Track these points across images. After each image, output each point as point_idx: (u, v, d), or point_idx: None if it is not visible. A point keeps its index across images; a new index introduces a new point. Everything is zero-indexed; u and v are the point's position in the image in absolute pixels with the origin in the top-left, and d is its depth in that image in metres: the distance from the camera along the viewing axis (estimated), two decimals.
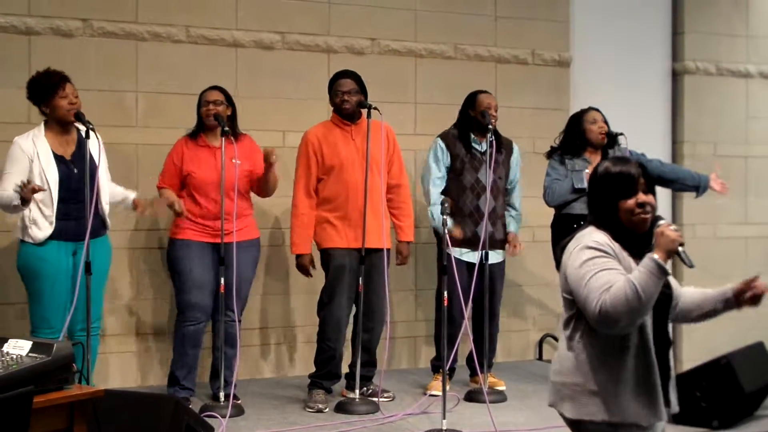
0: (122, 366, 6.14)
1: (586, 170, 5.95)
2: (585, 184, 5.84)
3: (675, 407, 3.21)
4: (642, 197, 3.14)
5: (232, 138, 5.40)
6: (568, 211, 6.07)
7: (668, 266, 2.98)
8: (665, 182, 6.27)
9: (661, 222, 3.09)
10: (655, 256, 2.97)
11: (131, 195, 5.40)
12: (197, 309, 5.52)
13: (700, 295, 3.32)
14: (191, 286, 5.50)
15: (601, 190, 3.20)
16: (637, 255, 3.10)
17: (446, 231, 5.18)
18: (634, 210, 3.13)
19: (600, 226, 3.19)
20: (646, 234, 3.14)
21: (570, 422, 3.20)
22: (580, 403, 3.14)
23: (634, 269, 3.01)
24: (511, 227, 6.18)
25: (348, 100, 5.66)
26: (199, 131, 5.62)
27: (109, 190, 5.31)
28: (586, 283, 3.04)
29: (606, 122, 6.21)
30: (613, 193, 3.16)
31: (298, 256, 5.73)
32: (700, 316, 3.33)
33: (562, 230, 6.08)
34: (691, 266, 3.02)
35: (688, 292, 3.35)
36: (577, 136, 6.18)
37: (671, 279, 3.21)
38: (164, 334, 6.15)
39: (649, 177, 3.20)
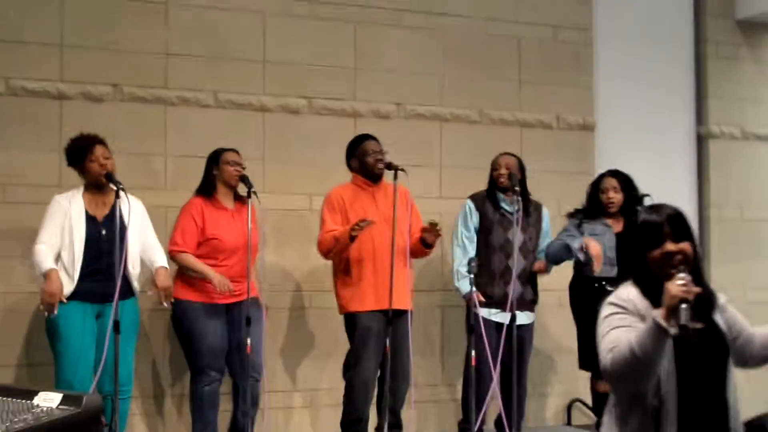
0: (150, 428, 6.10)
1: (581, 240, 5.86)
2: (579, 254, 5.82)
3: None
4: (669, 246, 2.99)
5: (256, 198, 5.44)
6: (589, 274, 6.00)
7: (682, 321, 2.79)
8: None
9: (678, 275, 2.89)
10: (656, 313, 2.83)
11: (156, 265, 5.36)
12: (213, 371, 5.51)
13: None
14: (208, 351, 5.50)
15: (631, 242, 3.13)
16: None
17: (473, 291, 5.15)
18: (661, 260, 2.99)
19: (635, 281, 3.07)
20: None
21: None
22: None
23: None
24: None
25: (382, 159, 5.70)
26: (212, 192, 5.63)
27: (148, 251, 5.34)
28: (600, 340, 2.99)
29: (626, 188, 6.12)
30: (640, 245, 3.05)
31: (351, 234, 5.48)
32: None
33: (581, 291, 6.05)
34: (690, 325, 2.81)
35: (759, 332, 3.14)
36: (594, 202, 6.16)
37: (739, 321, 3.10)
38: (169, 396, 6.16)
39: (683, 224, 3.05)
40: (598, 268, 5.76)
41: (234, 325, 5.55)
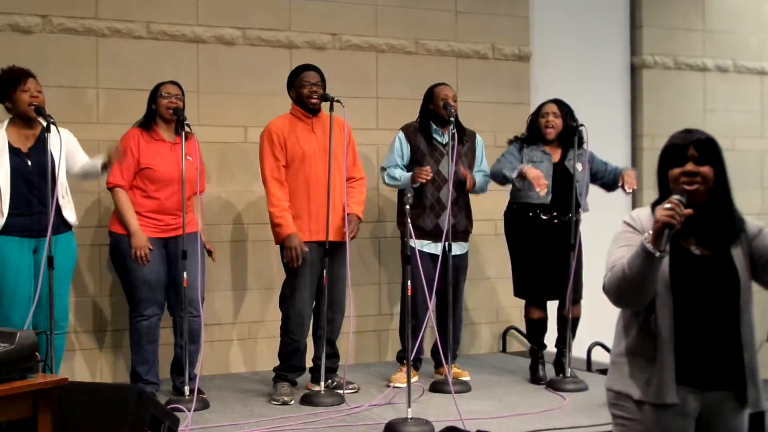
0: (88, 363, 6.11)
1: (522, 167, 5.88)
2: (517, 183, 5.88)
3: (757, 405, 3.05)
4: (689, 167, 3.00)
5: (191, 131, 5.42)
6: (525, 201, 6.06)
7: (661, 246, 2.84)
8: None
9: (671, 198, 2.93)
10: (646, 235, 2.89)
11: (98, 161, 5.26)
12: (150, 305, 5.51)
13: None
14: (144, 284, 5.49)
15: (659, 162, 3.11)
16: (688, 235, 3.01)
17: (408, 221, 5.19)
18: (679, 178, 3.00)
19: (655, 203, 3.09)
20: (698, 209, 2.96)
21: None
22: (609, 372, 3.21)
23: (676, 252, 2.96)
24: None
25: (317, 91, 5.68)
26: (152, 123, 5.60)
27: (81, 168, 5.28)
28: (608, 256, 3.07)
29: (565, 116, 6.12)
30: (665, 164, 3.07)
31: (288, 239, 5.56)
32: None
33: (515, 220, 6.12)
34: (662, 251, 2.85)
35: None
36: (533, 129, 6.19)
37: (761, 243, 3.05)
38: (111, 331, 6.17)
39: (711, 149, 3.04)
40: (542, 190, 5.79)
41: (171, 259, 5.55)
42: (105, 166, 5.26)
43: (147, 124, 5.59)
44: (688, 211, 2.90)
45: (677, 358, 3.00)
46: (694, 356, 3.01)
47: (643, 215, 3.10)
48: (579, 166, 5.99)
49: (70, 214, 5.25)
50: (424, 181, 5.83)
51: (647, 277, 2.91)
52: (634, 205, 7.83)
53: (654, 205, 3.10)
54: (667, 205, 2.87)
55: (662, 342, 3.00)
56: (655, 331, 3.01)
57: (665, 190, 3.06)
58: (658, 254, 2.86)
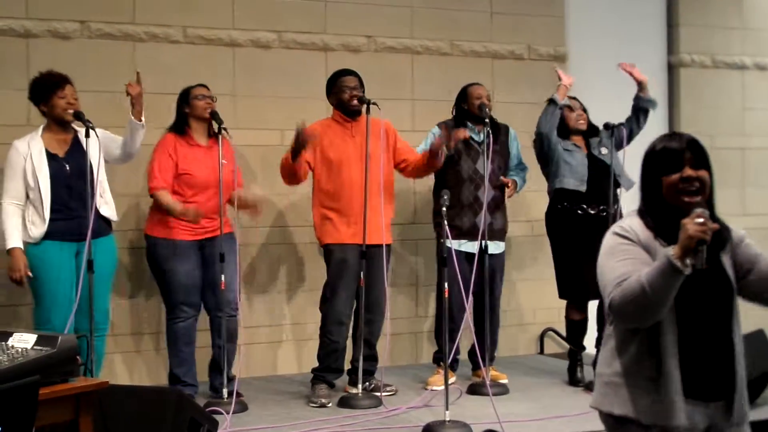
0: (127, 365, 6.16)
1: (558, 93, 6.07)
2: (561, 102, 6.05)
3: (741, 416, 2.96)
4: (688, 171, 2.88)
5: (227, 134, 5.45)
6: (561, 187, 6.07)
7: (700, 262, 2.72)
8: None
9: (696, 211, 2.77)
10: (671, 251, 2.73)
11: (130, 118, 5.27)
12: (186, 306, 5.54)
13: None
14: (180, 287, 5.52)
15: (646, 168, 2.96)
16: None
17: (445, 222, 5.18)
18: (678, 185, 2.87)
19: (644, 211, 2.96)
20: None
21: (594, 408, 3.08)
22: (597, 392, 3.04)
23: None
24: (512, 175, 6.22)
25: (356, 95, 5.70)
26: (185, 128, 5.62)
27: (122, 143, 5.32)
28: (606, 273, 2.89)
29: (584, 110, 6.25)
30: (657, 170, 2.92)
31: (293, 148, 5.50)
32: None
33: (559, 220, 6.10)
34: (701, 267, 2.75)
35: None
36: (561, 125, 6.20)
37: (753, 254, 2.96)
38: (146, 334, 6.22)
39: (703, 151, 2.93)
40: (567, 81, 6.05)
41: (207, 261, 5.57)
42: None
43: (180, 128, 5.61)
44: (715, 225, 2.79)
45: (682, 373, 2.87)
46: (698, 369, 2.89)
47: (636, 225, 2.93)
48: (604, 150, 6.05)
49: (109, 212, 5.29)
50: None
51: (671, 294, 2.76)
52: None
53: (643, 214, 2.95)
54: (700, 220, 2.73)
55: (667, 358, 2.87)
56: (658, 348, 2.87)
57: (656, 197, 2.94)
58: (687, 271, 2.73)
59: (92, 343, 4.75)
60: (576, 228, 6.02)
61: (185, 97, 5.63)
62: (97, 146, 5.08)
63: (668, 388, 2.86)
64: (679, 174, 2.88)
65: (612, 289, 2.83)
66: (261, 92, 6.50)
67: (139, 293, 6.20)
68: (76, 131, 5.19)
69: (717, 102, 8.00)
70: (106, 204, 5.27)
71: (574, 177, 6.03)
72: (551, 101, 6.09)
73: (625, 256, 2.86)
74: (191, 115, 5.61)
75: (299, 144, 5.44)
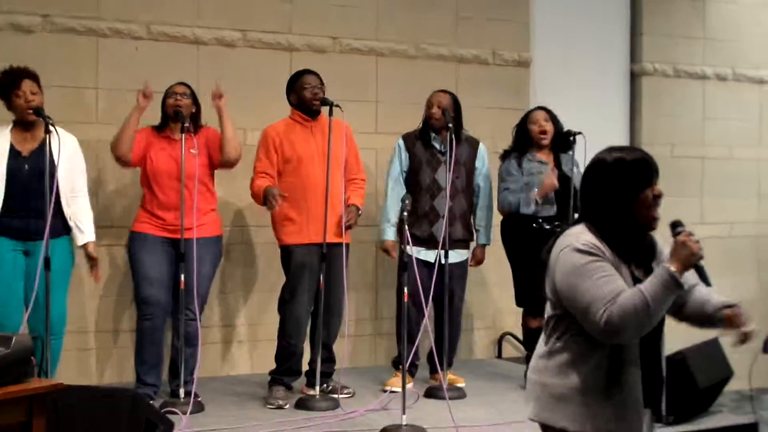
0: (81, 364, 6.11)
1: (534, 196, 5.88)
2: (530, 209, 5.88)
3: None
4: (658, 189, 2.91)
5: (192, 133, 5.42)
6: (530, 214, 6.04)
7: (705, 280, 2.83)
8: None
9: (682, 230, 2.83)
10: (672, 268, 2.76)
11: (87, 238, 5.29)
12: (151, 304, 5.49)
13: (704, 299, 3.04)
14: (146, 282, 5.50)
15: (617, 181, 2.90)
16: (630, 260, 2.91)
17: (405, 228, 5.19)
18: (651, 202, 2.88)
19: (595, 225, 2.93)
20: (643, 237, 2.93)
21: (536, 421, 3.02)
22: (543, 405, 2.97)
23: (626, 276, 2.84)
24: (481, 239, 6.20)
25: (318, 93, 5.68)
26: (165, 125, 5.62)
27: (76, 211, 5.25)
28: (585, 292, 2.81)
29: (555, 121, 6.13)
30: (633, 184, 2.88)
31: (266, 189, 5.56)
32: (692, 318, 3.08)
33: (515, 230, 6.08)
34: (708, 285, 2.83)
35: (698, 290, 3.05)
36: (523, 136, 6.18)
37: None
38: (125, 332, 6.16)
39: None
40: (541, 196, 5.86)
41: (178, 260, 5.50)
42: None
43: (161, 125, 5.63)
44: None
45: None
46: (646, 378, 2.96)
47: (592, 239, 2.89)
48: (575, 170, 6.00)
49: (80, 216, 5.22)
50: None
51: (667, 308, 2.82)
52: None
53: (595, 228, 2.91)
54: (695, 238, 2.81)
55: (629, 371, 2.90)
56: (621, 360, 2.88)
57: (626, 212, 2.90)
58: (686, 286, 2.82)
59: (48, 342, 4.70)
60: (531, 239, 5.94)
61: (164, 96, 5.64)
62: (57, 144, 4.99)
63: (629, 401, 2.90)
64: (652, 191, 2.90)
65: (603, 306, 2.78)
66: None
67: (96, 292, 6.15)
68: (50, 131, 4.96)
69: (678, 111, 8.09)
70: (74, 206, 5.20)
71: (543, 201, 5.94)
72: (527, 212, 5.93)
73: (603, 273, 2.82)
74: (165, 111, 5.62)
75: (267, 203, 5.54)
